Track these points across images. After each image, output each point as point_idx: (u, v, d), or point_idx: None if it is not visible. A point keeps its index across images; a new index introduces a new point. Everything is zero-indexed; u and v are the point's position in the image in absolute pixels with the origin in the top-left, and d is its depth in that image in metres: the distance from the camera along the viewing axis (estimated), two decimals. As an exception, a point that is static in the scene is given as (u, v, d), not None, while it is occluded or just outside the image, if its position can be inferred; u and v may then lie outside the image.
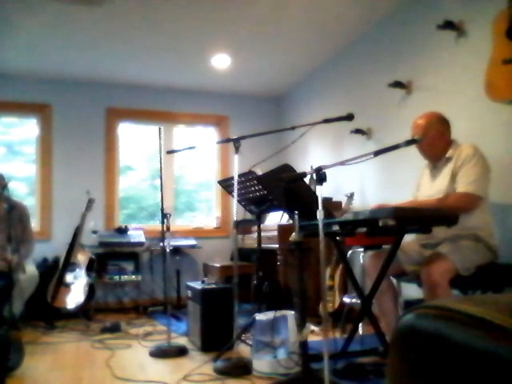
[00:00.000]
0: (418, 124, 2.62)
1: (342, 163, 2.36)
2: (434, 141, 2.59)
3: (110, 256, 4.84)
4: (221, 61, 4.72)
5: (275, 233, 4.09)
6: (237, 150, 2.80)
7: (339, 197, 4.21)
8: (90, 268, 4.37)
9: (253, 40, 4.30)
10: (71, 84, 5.19)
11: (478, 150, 2.49)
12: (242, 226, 4.66)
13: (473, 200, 2.43)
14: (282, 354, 2.58)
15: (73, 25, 3.92)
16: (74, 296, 4.17)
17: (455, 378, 0.52)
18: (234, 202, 2.83)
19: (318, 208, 1.96)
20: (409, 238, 2.66)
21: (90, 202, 4.50)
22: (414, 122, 2.66)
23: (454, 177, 2.51)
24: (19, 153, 5.42)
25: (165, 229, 3.23)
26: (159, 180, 3.21)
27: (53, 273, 4.26)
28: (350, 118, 2.49)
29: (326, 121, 2.51)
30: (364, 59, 4.23)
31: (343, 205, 3.97)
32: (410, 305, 2.65)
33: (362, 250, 3.34)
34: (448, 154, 2.58)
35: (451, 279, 2.28)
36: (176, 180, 5.75)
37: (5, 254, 3.49)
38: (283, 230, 3.97)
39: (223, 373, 2.57)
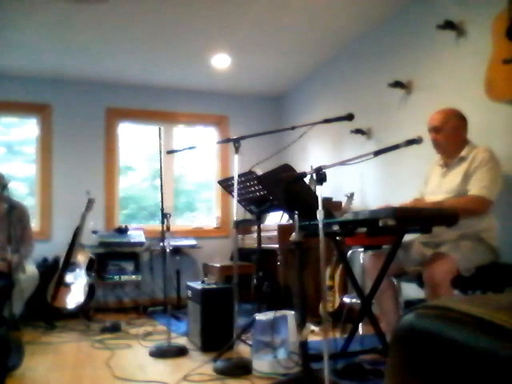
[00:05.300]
0: (437, 116, 2.62)
1: (342, 163, 2.37)
2: (452, 133, 2.58)
3: (110, 256, 4.83)
4: (221, 61, 4.72)
5: (275, 233, 4.09)
6: (237, 150, 2.80)
7: (339, 197, 4.20)
8: (89, 268, 4.37)
9: (253, 40, 4.30)
10: (71, 84, 5.19)
11: (494, 155, 2.48)
12: (242, 226, 4.66)
13: (485, 204, 2.42)
14: (282, 353, 2.57)
15: (73, 25, 3.92)
16: (74, 296, 4.17)
17: (455, 377, 0.52)
18: (234, 202, 2.83)
19: (317, 208, 1.96)
20: (409, 238, 2.66)
21: (90, 202, 4.50)
22: (431, 115, 2.66)
23: (466, 177, 2.48)
24: (19, 153, 5.42)
25: (165, 229, 3.22)
26: (159, 180, 3.21)
27: (53, 273, 4.26)
28: (350, 117, 2.48)
29: (326, 121, 2.51)
30: (364, 59, 4.23)
31: (343, 205, 3.97)
32: (410, 305, 2.65)
33: (362, 249, 3.34)
34: (462, 154, 2.55)
35: (452, 279, 2.28)
36: (176, 180, 5.74)
37: (5, 254, 3.50)
38: (283, 230, 3.97)
39: (223, 373, 2.57)
